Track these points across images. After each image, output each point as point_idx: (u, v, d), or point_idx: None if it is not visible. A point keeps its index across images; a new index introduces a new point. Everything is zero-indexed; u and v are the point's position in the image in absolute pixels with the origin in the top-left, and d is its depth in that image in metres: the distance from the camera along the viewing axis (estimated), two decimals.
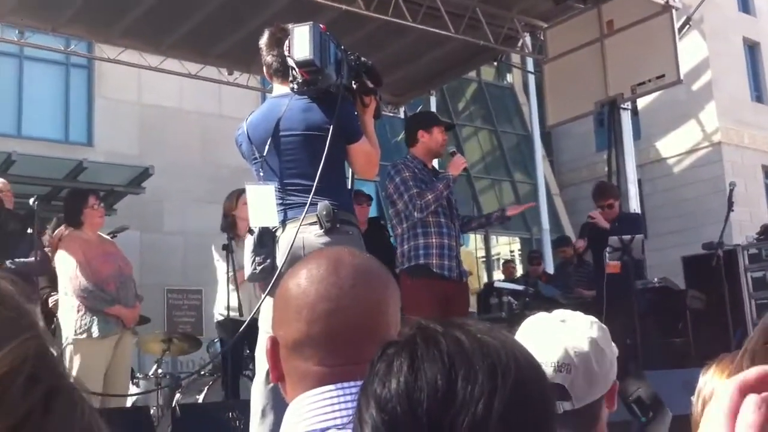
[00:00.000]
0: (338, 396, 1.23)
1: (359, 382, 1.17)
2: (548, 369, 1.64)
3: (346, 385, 1.23)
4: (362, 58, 3.78)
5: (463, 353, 0.85)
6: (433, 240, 5.19)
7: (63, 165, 10.78)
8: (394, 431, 0.84)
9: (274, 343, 1.33)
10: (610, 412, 1.76)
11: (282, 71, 3.69)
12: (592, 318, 1.78)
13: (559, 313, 1.79)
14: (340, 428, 1.19)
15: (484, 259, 18.51)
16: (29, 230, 5.81)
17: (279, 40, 3.68)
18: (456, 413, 0.81)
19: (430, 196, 5.13)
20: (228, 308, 6.03)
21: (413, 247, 5.20)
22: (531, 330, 1.75)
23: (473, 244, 16.76)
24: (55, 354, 0.66)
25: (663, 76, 8.70)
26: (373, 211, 8.84)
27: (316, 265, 1.33)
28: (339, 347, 1.26)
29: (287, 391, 1.32)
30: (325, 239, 3.51)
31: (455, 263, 5.26)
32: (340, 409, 1.22)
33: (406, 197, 5.18)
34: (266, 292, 3.55)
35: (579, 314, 1.78)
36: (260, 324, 3.63)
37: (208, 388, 6.44)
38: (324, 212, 3.50)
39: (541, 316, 1.80)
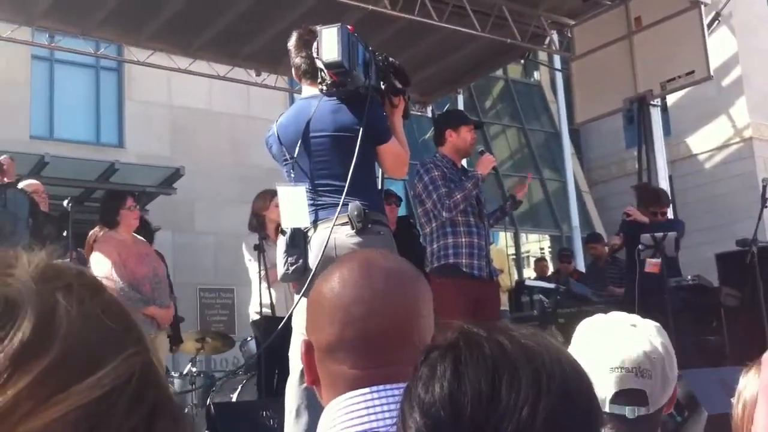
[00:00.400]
0: (372, 399, 1.23)
1: (393, 385, 1.22)
2: (628, 375, 1.64)
3: (380, 388, 1.23)
4: (390, 59, 3.80)
5: (506, 358, 0.85)
6: (463, 239, 5.17)
7: (95, 167, 10.92)
8: None
9: (309, 348, 1.33)
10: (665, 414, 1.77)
11: (311, 73, 3.72)
12: (656, 323, 1.78)
13: (625, 317, 1.76)
14: None
15: (514, 257, 18.44)
16: (65, 233, 5.89)
17: (307, 41, 3.71)
18: (500, 419, 0.81)
19: (458, 196, 5.12)
20: (261, 306, 6.07)
21: (442, 247, 5.19)
22: (598, 334, 1.73)
23: (503, 242, 16.71)
24: (160, 368, 0.65)
25: (692, 72, 8.63)
26: (401, 210, 8.86)
27: (348, 269, 1.33)
28: (372, 350, 1.27)
29: (322, 395, 1.33)
30: (357, 239, 3.54)
31: (485, 262, 5.24)
32: (375, 413, 1.22)
33: (434, 196, 5.16)
34: (301, 293, 3.58)
35: (645, 319, 1.76)
36: (294, 324, 3.66)
37: (242, 387, 6.49)
38: (355, 213, 3.52)
39: (604, 319, 1.77)
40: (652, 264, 6.51)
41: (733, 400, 1.64)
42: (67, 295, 0.60)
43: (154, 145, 13.43)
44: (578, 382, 0.88)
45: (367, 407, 1.22)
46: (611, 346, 1.67)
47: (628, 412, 1.64)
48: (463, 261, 5.14)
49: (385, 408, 1.21)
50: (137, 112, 13.78)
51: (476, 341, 0.88)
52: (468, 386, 0.83)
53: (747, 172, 17.97)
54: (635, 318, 1.77)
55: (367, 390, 1.23)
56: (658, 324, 1.77)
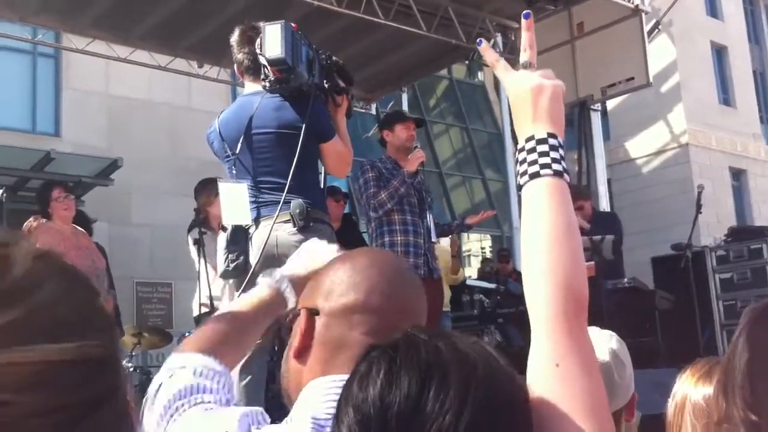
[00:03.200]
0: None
1: None
2: None
3: None
4: (333, 57, 3.79)
5: (439, 363, 0.87)
6: (398, 238, 5.19)
7: (30, 155, 10.64)
8: None
9: (310, 314, 1.35)
10: (629, 424, 1.77)
11: (253, 69, 3.68)
12: (610, 331, 1.79)
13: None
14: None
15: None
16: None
17: (250, 37, 3.68)
18: (423, 422, 0.83)
19: (383, 195, 5.15)
20: (201, 304, 5.99)
21: (380, 245, 5.20)
22: None
23: (445, 240, 16.85)
24: (119, 362, 0.72)
25: (632, 78, 8.79)
26: (348, 207, 8.83)
27: (376, 253, 1.46)
28: (384, 324, 1.28)
29: (305, 364, 1.33)
30: (299, 237, 3.51)
31: (422, 260, 5.24)
32: None
33: (364, 197, 5.24)
34: (240, 289, 3.54)
35: (596, 327, 1.77)
36: None
37: None
38: (297, 210, 3.50)
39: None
40: (587, 268, 6.61)
41: (669, 401, 1.67)
42: (57, 276, 0.69)
43: (91, 134, 13.14)
44: (509, 393, 0.88)
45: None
46: None
47: None
48: None
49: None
50: (74, 101, 13.47)
51: (414, 344, 0.90)
52: (398, 387, 0.86)
53: (683, 177, 18.39)
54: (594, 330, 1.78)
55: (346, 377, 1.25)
56: (612, 333, 1.79)
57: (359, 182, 5.31)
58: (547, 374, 0.95)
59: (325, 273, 1.39)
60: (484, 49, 1.37)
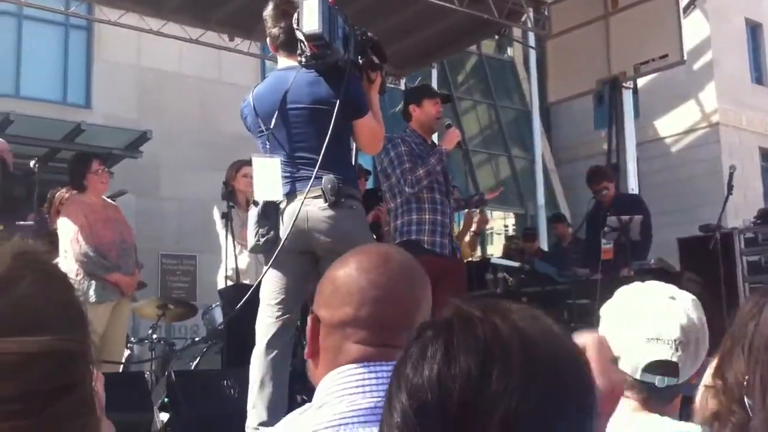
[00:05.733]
0: (363, 375, 1.34)
1: (386, 363, 1.32)
2: (664, 347, 1.69)
3: (373, 364, 1.35)
4: (369, 34, 3.77)
5: (499, 342, 0.83)
6: (427, 216, 5.13)
7: (61, 126, 10.73)
8: (423, 419, 0.82)
9: (315, 321, 1.46)
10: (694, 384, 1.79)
11: (289, 44, 3.68)
12: (694, 297, 1.79)
13: (663, 288, 1.79)
14: (362, 418, 1.28)
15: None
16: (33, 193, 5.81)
17: (285, 11, 3.67)
18: (488, 405, 0.79)
19: (421, 171, 5.05)
20: (226, 277, 6.04)
21: (406, 223, 5.14)
22: (637, 303, 1.76)
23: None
24: (91, 366, 0.77)
25: (666, 56, 8.68)
26: (370, 183, 8.82)
27: (367, 257, 1.48)
28: (378, 331, 1.40)
29: (317, 366, 1.44)
30: (329, 213, 3.53)
31: (448, 240, 5.20)
32: (365, 390, 1.33)
33: (398, 172, 5.10)
34: (269, 264, 3.57)
35: (683, 291, 1.80)
36: (261, 295, 3.65)
37: (202, 356, 6.46)
38: (329, 186, 3.51)
39: (642, 288, 1.80)
40: (606, 250, 6.60)
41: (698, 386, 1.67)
42: (34, 274, 0.74)
43: (121, 106, 13.21)
44: (572, 368, 0.86)
45: (361, 383, 1.33)
46: (649, 316, 1.71)
47: (658, 381, 1.70)
48: (425, 238, 5.10)
49: (374, 384, 1.32)
50: (105, 73, 13.54)
51: (470, 322, 0.86)
52: (458, 370, 0.81)
53: (712, 157, 18.18)
54: (674, 289, 1.80)
55: (362, 366, 1.35)
56: (695, 297, 1.79)
57: (390, 156, 5.14)
58: None
59: (327, 278, 1.48)
60: None
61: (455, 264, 5.33)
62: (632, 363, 1.71)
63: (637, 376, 1.70)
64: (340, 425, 1.28)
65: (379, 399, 1.25)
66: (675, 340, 1.70)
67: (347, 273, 1.45)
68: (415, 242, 5.07)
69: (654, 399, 1.72)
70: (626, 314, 1.74)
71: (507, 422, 0.79)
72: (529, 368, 0.82)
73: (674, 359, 1.70)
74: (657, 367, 1.70)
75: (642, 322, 1.72)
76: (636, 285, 1.84)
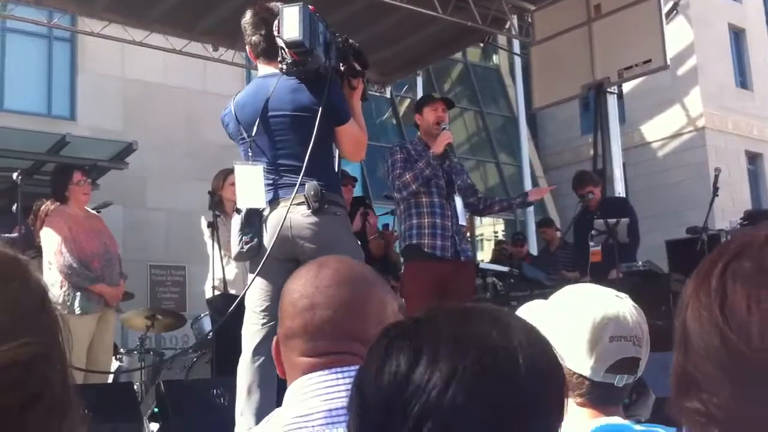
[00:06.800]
0: (336, 379, 1.34)
1: (345, 368, 1.33)
2: (627, 344, 1.67)
3: (339, 369, 1.35)
4: (350, 41, 3.78)
5: (432, 341, 0.86)
6: (426, 220, 5.21)
7: (46, 139, 10.67)
8: (365, 413, 0.88)
9: (277, 341, 1.48)
10: None
11: (269, 51, 3.68)
12: (621, 293, 1.79)
13: (603, 289, 1.77)
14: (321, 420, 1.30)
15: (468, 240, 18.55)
16: (14, 206, 5.77)
17: (264, 19, 3.67)
18: (408, 399, 0.83)
19: (408, 176, 5.17)
20: (213, 287, 6.02)
21: (407, 227, 5.27)
22: (589, 304, 1.72)
23: None
24: (59, 361, 0.73)
25: (650, 61, 8.71)
26: (358, 191, 8.84)
27: (305, 269, 1.48)
28: (314, 340, 1.39)
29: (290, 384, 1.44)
30: (313, 219, 3.52)
31: (450, 243, 5.23)
32: (322, 392, 1.34)
33: (390, 178, 5.28)
34: (256, 272, 3.56)
35: (620, 293, 1.78)
36: (247, 303, 3.65)
37: (192, 365, 6.44)
38: (312, 193, 3.51)
39: (588, 290, 1.78)
40: (594, 253, 6.63)
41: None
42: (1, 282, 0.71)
43: (106, 118, 13.19)
44: (509, 371, 0.86)
45: (331, 386, 1.34)
46: (609, 316, 1.68)
47: (617, 380, 1.67)
48: (426, 241, 5.18)
49: (335, 387, 1.33)
50: (90, 85, 13.52)
51: (417, 324, 0.90)
52: (392, 365, 0.86)
53: (699, 161, 18.28)
54: (612, 290, 1.78)
55: (327, 371, 1.35)
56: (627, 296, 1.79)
57: (387, 164, 5.35)
58: None
59: (282, 296, 1.49)
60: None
61: (460, 267, 5.34)
62: (594, 364, 1.66)
63: (598, 378, 1.66)
64: (299, 428, 1.29)
65: (341, 400, 1.28)
66: (635, 336, 1.68)
67: (288, 286, 1.47)
68: (415, 246, 5.21)
69: (610, 400, 1.68)
70: (581, 315, 1.69)
71: (425, 414, 0.82)
72: (454, 363, 0.84)
73: (637, 355, 1.68)
74: (620, 366, 1.67)
75: (601, 321, 1.67)
76: (575, 287, 1.81)
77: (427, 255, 5.16)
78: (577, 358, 1.67)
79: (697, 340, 0.79)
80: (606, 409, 1.68)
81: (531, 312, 1.79)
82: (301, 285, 1.43)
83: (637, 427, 1.63)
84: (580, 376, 1.66)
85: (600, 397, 1.67)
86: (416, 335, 0.88)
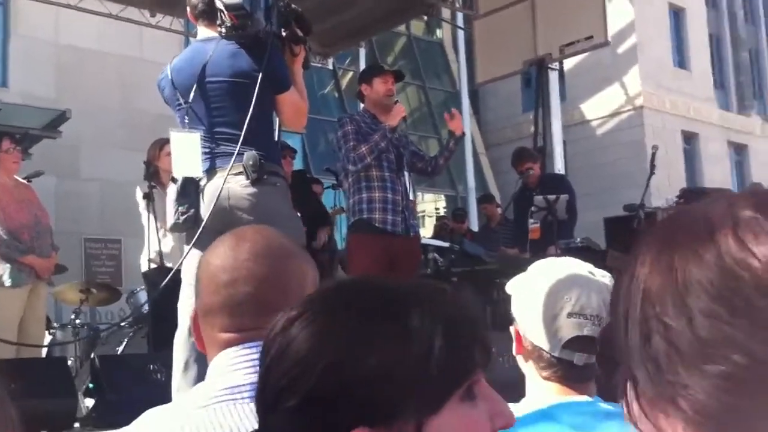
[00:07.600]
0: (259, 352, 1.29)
1: (256, 343, 1.29)
2: (586, 322, 1.65)
3: (246, 345, 1.34)
4: (292, 5, 3.68)
5: (311, 302, 0.89)
6: (376, 194, 5.12)
7: None
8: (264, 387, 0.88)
9: (195, 315, 1.44)
10: None
11: (208, 14, 3.56)
12: (608, 273, 1.75)
13: (580, 264, 1.76)
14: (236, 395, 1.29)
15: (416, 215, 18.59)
16: None
17: None
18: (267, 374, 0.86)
19: (364, 149, 5.03)
20: (150, 260, 5.88)
21: (357, 201, 5.15)
22: (556, 278, 1.70)
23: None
24: None
25: (591, 37, 8.76)
26: (297, 164, 8.72)
27: (221, 242, 1.44)
28: (236, 316, 1.36)
29: (210, 359, 1.41)
30: (251, 190, 3.43)
31: (400, 218, 5.17)
32: (239, 368, 1.33)
33: (343, 150, 5.10)
34: (191, 244, 3.46)
35: (600, 270, 1.75)
36: (183, 276, 3.54)
37: (128, 340, 6.30)
38: (250, 162, 3.41)
39: (560, 264, 1.76)
40: (533, 230, 6.67)
41: None
42: None
43: (39, 85, 12.79)
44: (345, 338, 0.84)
45: (240, 361, 1.32)
46: (572, 292, 1.67)
47: (577, 358, 1.66)
48: (376, 216, 5.10)
49: (249, 363, 1.31)
50: (22, 50, 13.09)
51: (317, 296, 0.91)
52: (289, 337, 0.87)
53: (636, 140, 18.57)
54: (590, 266, 1.76)
55: (242, 345, 1.34)
56: (610, 275, 1.76)
57: (337, 135, 5.16)
58: None
59: (199, 269, 1.46)
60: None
61: (409, 242, 5.30)
62: (551, 339, 1.66)
63: (556, 353, 1.66)
64: (217, 402, 1.27)
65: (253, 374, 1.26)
66: (597, 316, 1.66)
67: (205, 260, 1.43)
68: (366, 221, 5.10)
69: (573, 378, 1.68)
70: (546, 289, 1.69)
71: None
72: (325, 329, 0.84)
73: (594, 334, 1.66)
74: (577, 343, 1.65)
75: (563, 297, 1.67)
76: (552, 260, 1.80)
77: (379, 230, 5.08)
78: (534, 329, 1.68)
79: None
80: (576, 386, 1.67)
81: (514, 281, 1.79)
82: (220, 259, 1.39)
83: (604, 405, 1.62)
84: (541, 349, 1.67)
85: (565, 374, 1.67)
86: (310, 309, 0.88)
